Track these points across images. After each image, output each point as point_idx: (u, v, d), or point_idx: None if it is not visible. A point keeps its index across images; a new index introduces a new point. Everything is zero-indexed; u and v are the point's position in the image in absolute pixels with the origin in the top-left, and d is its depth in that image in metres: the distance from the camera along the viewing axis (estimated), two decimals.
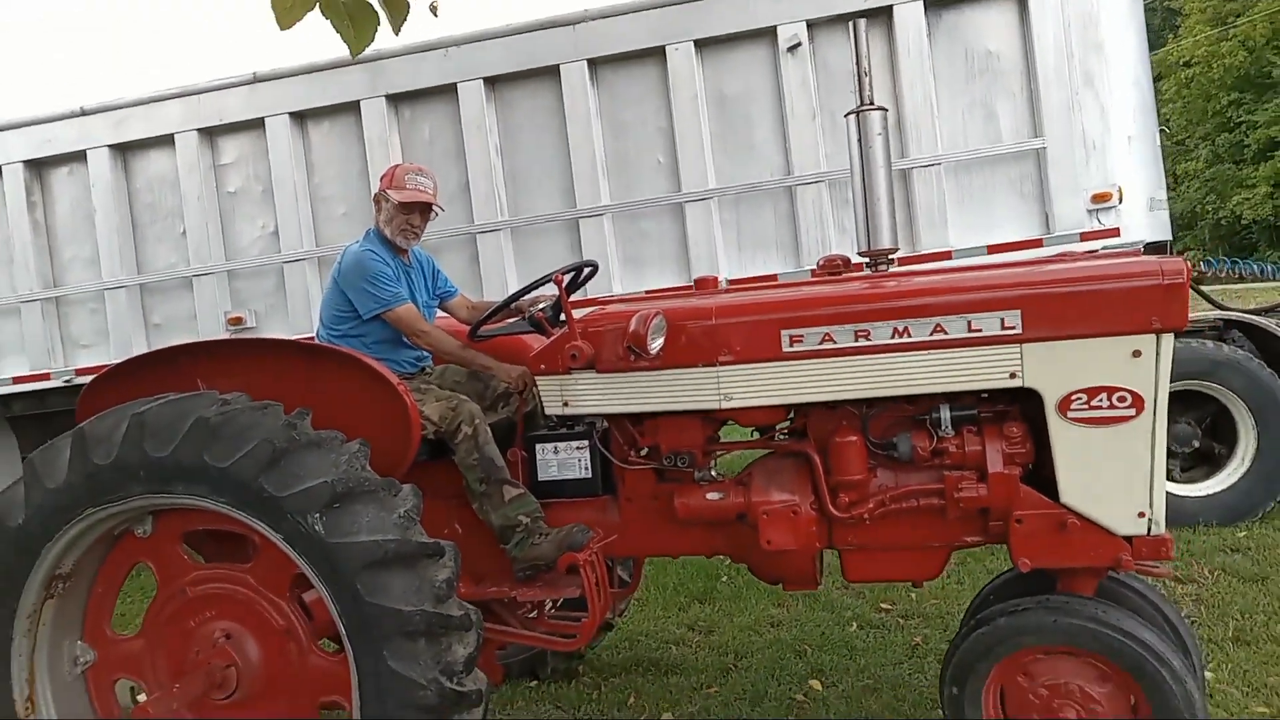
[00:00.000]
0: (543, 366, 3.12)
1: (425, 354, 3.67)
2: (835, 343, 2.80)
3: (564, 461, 3.25)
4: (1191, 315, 5.92)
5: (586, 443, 3.22)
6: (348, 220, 6.89)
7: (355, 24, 1.96)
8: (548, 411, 3.19)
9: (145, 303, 7.30)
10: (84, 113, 7.14)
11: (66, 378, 7.27)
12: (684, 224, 6.32)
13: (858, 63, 3.14)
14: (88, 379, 3.38)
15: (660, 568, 5.58)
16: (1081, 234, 5.71)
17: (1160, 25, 38.34)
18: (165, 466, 2.66)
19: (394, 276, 3.47)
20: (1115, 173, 5.74)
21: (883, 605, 4.75)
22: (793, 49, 5.96)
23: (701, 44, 6.16)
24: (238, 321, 7.02)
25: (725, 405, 2.94)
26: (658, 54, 6.22)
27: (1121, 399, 2.60)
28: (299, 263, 6.90)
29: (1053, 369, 2.65)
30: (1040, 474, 2.82)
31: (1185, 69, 34.90)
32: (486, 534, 3.21)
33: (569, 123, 6.38)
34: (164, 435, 2.66)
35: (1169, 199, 6.25)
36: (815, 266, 3.43)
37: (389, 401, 2.94)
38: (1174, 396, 5.54)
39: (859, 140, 3.11)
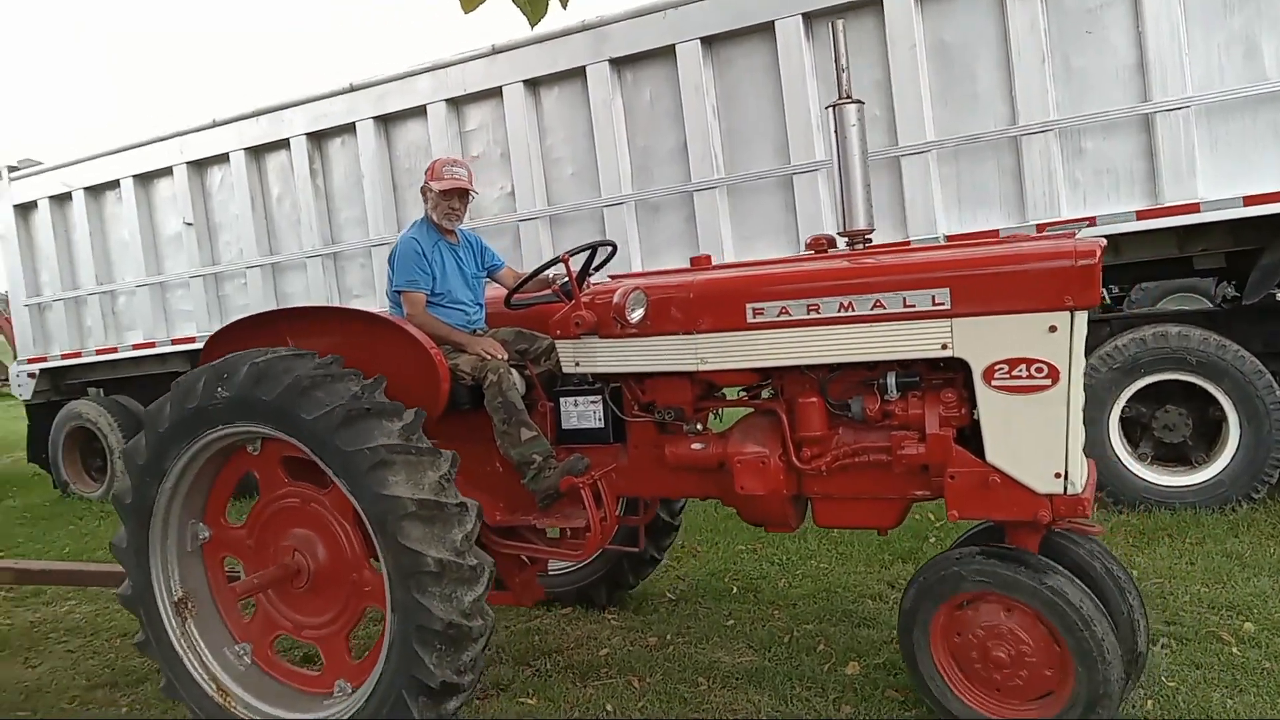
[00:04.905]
0: (558, 332, 3.69)
1: (477, 319, 4.33)
2: (791, 315, 3.21)
3: (582, 413, 3.81)
4: None
5: (599, 398, 3.77)
6: (576, 180, 7.33)
7: (531, 2, 2.32)
8: (563, 370, 3.78)
9: None
10: (352, 89, 8.08)
11: None
12: (900, 179, 6.19)
13: (836, 59, 3.32)
14: None
15: None
16: None
17: None
18: (263, 405, 3.25)
19: (424, 263, 4.10)
20: None
21: None
22: None
23: None
24: None
25: (702, 368, 3.43)
26: (875, 4, 6.07)
27: (1039, 369, 2.87)
28: (532, 221, 7.46)
29: (978, 342, 2.95)
30: (976, 436, 3.13)
31: None
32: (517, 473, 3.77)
33: (783, 79, 6.40)
34: (271, 383, 3.24)
35: None
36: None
37: (424, 359, 3.56)
38: None
39: (835, 131, 3.33)
